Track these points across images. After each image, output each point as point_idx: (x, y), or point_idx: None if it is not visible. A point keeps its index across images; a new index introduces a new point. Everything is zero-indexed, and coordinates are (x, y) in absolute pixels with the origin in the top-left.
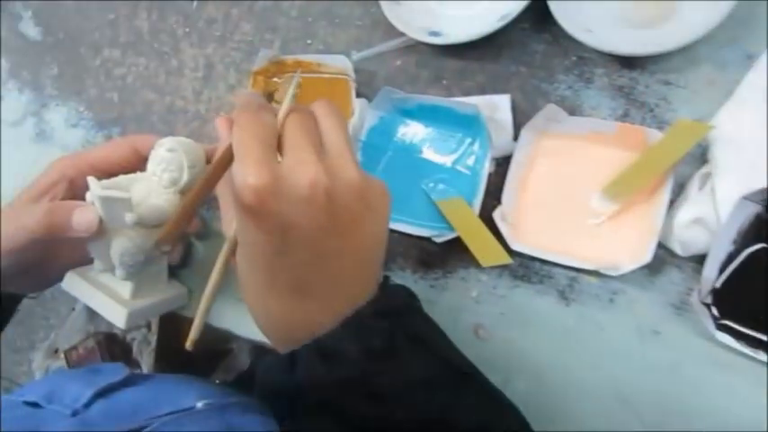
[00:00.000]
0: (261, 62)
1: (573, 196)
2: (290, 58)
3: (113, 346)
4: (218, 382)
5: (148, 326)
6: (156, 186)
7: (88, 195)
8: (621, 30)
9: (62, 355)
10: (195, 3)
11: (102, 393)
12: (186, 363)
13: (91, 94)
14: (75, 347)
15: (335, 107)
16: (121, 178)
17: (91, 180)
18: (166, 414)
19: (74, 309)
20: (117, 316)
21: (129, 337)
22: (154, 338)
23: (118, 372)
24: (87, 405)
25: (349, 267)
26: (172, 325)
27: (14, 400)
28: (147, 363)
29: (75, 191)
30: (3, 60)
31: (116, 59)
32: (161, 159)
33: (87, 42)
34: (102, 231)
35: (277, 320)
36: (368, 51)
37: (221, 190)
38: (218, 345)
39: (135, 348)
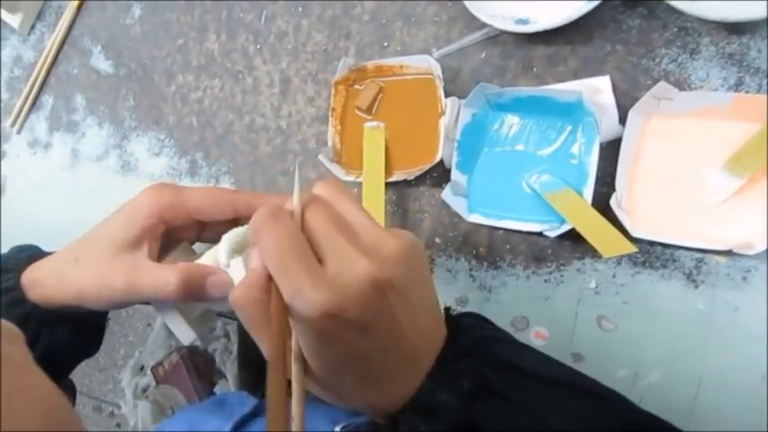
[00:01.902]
0: (341, 71)
1: (691, 175)
2: (370, 64)
3: (196, 358)
4: None
5: (227, 335)
6: None
7: (221, 257)
8: None
9: (149, 372)
10: (264, 18)
11: (239, 426)
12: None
13: (170, 121)
14: (161, 363)
15: (337, 183)
16: (246, 234)
17: (223, 249)
18: None
19: (149, 324)
20: (184, 335)
21: (210, 348)
22: (234, 348)
23: (244, 401)
24: None
25: (422, 325)
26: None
27: None
28: (231, 372)
29: (170, 233)
30: (79, 97)
31: (190, 84)
32: None
33: (159, 70)
34: None
35: (375, 401)
36: (448, 48)
37: (251, 321)
38: None
39: (218, 359)
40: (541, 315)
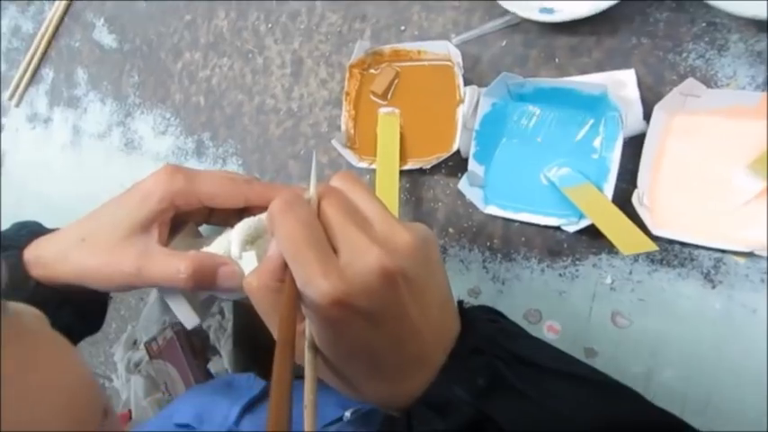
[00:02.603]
0: (357, 55)
1: (715, 175)
2: (387, 48)
3: (190, 335)
4: None
5: (222, 312)
6: None
7: (233, 249)
8: None
9: (142, 347)
10: None
11: (247, 408)
12: (264, 348)
13: (176, 99)
14: (154, 339)
15: (353, 174)
16: (258, 226)
17: (236, 241)
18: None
19: (143, 299)
20: (188, 319)
21: (204, 325)
22: (229, 325)
23: (252, 384)
24: (237, 422)
25: (434, 319)
26: (245, 309)
27: (165, 423)
28: (225, 349)
29: (178, 215)
30: (81, 71)
31: (198, 62)
32: None
33: (166, 47)
34: None
35: (386, 394)
36: (468, 34)
37: (265, 307)
38: None
39: (212, 336)
40: (555, 309)
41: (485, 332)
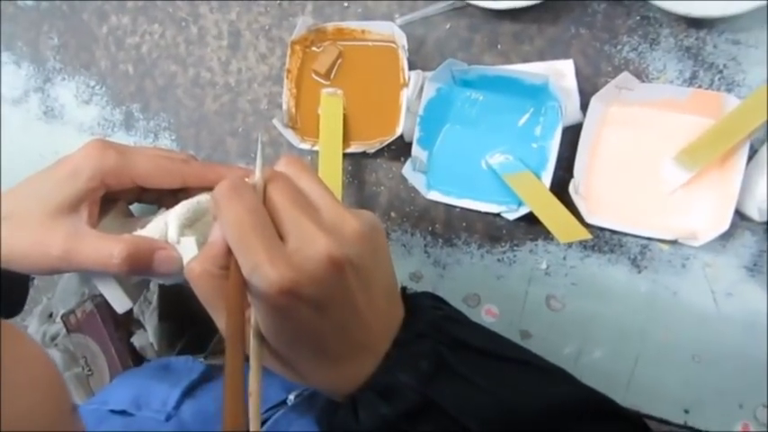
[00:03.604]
0: (299, 31)
1: (645, 165)
2: (330, 26)
3: (113, 308)
4: None
5: (147, 284)
6: None
7: (171, 233)
8: None
9: (58, 320)
10: None
11: (187, 393)
12: (190, 322)
13: (101, 66)
14: (72, 312)
15: (300, 160)
16: (196, 209)
17: (174, 225)
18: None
19: None
20: (119, 303)
21: None
22: (154, 297)
23: (191, 366)
24: (176, 407)
25: (380, 306)
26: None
27: (99, 409)
28: (150, 323)
29: (108, 195)
30: None
31: (126, 27)
32: None
33: (89, 8)
34: None
35: (331, 380)
36: (413, 15)
37: (207, 294)
38: None
39: (136, 309)
40: (493, 293)
41: (428, 318)
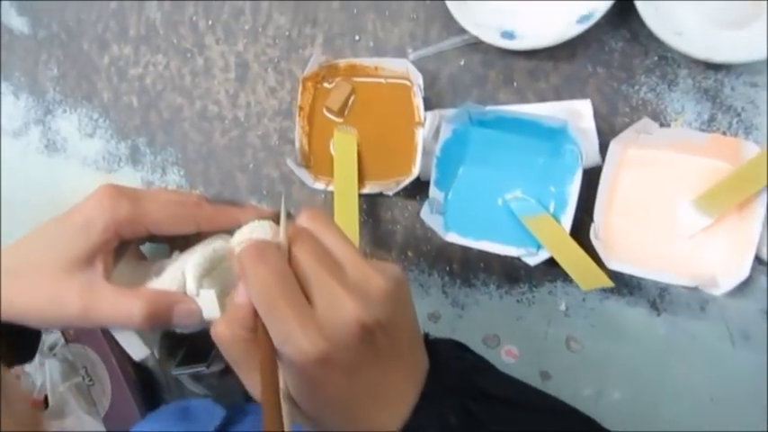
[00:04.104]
0: (311, 68)
1: (663, 208)
2: (343, 62)
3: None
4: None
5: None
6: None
7: (189, 286)
8: (709, 31)
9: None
10: None
11: None
12: (186, 347)
13: (104, 98)
14: None
15: (323, 214)
16: (214, 257)
17: (191, 276)
18: None
19: None
20: (137, 351)
21: None
22: None
23: (211, 412)
24: None
25: (406, 358)
26: None
27: None
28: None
29: (124, 245)
30: None
31: (128, 57)
32: None
33: (89, 36)
34: None
35: None
36: (426, 50)
37: (237, 357)
38: None
39: None
40: (513, 334)
41: (454, 369)
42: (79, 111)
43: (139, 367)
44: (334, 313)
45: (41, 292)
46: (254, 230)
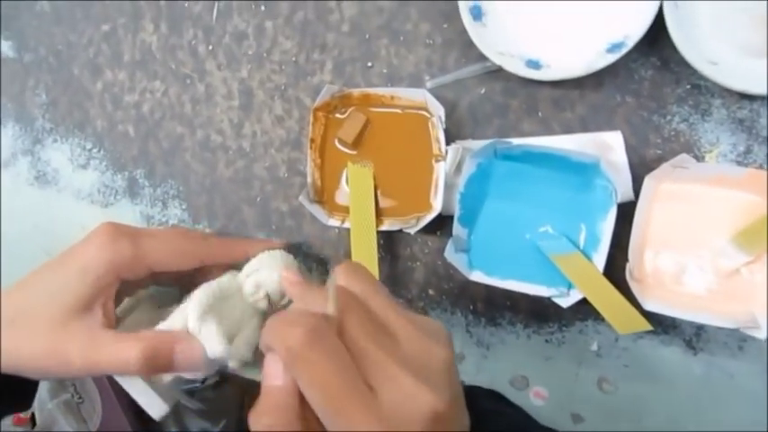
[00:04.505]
0: (323, 97)
1: (700, 245)
2: (356, 92)
3: None
4: None
5: (182, 382)
6: (247, 308)
7: (191, 322)
8: (744, 61)
9: None
10: (216, 13)
11: None
12: None
13: (97, 126)
14: None
15: (364, 271)
16: (218, 293)
17: (194, 313)
18: None
19: None
20: (154, 408)
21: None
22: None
23: None
24: None
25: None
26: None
27: None
28: None
29: (125, 288)
30: None
31: (123, 83)
32: (264, 285)
33: (80, 61)
34: None
35: None
36: (444, 78)
37: None
38: None
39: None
40: (541, 375)
41: (495, 428)
42: (71, 140)
43: None
44: (404, 405)
45: (38, 344)
46: (265, 261)
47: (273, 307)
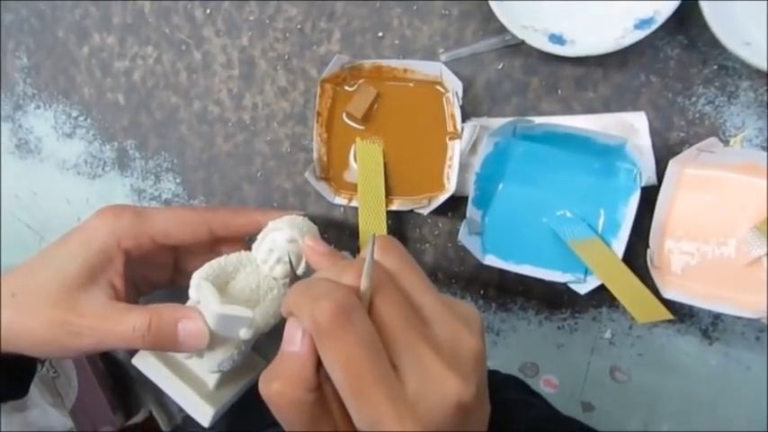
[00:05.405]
0: (332, 68)
1: (723, 233)
2: (368, 63)
3: None
4: None
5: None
6: (264, 280)
7: (191, 293)
8: None
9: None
10: None
11: None
12: None
13: (85, 94)
14: None
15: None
16: (224, 264)
17: (194, 284)
18: None
19: None
20: (201, 413)
21: None
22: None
23: None
24: None
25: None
26: None
27: None
28: None
29: (132, 263)
30: None
31: (112, 48)
32: (277, 248)
33: (65, 23)
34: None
35: None
36: (459, 51)
37: (297, 424)
38: None
39: None
40: (553, 362)
41: (523, 419)
42: (55, 107)
43: (109, 359)
44: (430, 391)
45: (44, 316)
46: (282, 224)
47: (291, 276)
